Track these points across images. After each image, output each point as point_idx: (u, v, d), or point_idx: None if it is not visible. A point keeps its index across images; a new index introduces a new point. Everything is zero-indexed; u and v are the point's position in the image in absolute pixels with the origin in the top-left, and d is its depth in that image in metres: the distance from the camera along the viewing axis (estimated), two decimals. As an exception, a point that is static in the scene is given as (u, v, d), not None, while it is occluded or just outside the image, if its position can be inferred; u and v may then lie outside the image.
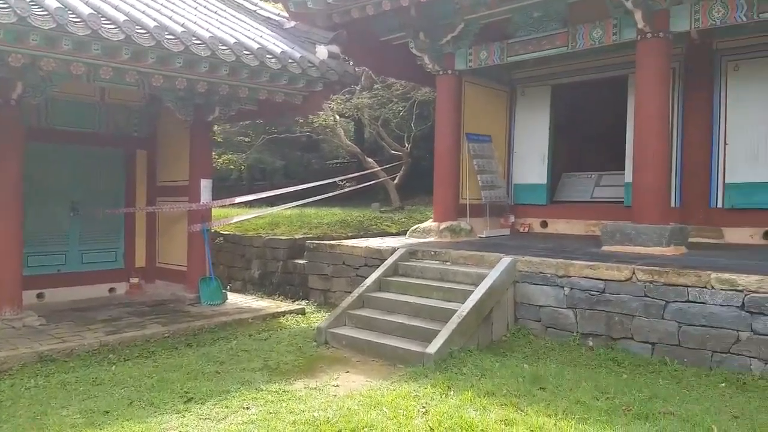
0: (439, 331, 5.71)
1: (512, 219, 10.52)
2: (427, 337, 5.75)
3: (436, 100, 9.69)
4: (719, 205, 8.57)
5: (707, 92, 8.60)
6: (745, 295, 5.11)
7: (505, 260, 6.63)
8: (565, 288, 6.24)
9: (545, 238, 9.22)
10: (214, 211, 9.94)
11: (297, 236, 9.82)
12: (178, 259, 8.88)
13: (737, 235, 8.32)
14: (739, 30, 8.25)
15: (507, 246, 7.94)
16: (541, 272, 6.44)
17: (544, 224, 10.40)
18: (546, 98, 10.44)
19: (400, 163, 14.08)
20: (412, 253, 7.58)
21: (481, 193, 9.72)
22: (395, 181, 14.20)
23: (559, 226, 10.17)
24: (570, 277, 6.21)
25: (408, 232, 9.47)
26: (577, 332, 6.05)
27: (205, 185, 8.36)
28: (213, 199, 8.62)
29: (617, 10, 7.37)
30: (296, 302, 8.51)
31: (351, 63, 8.30)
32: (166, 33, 5.94)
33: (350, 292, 7.08)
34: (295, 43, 7.87)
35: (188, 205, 8.36)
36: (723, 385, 4.84)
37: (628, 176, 8.97)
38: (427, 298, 6.62)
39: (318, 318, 7.51)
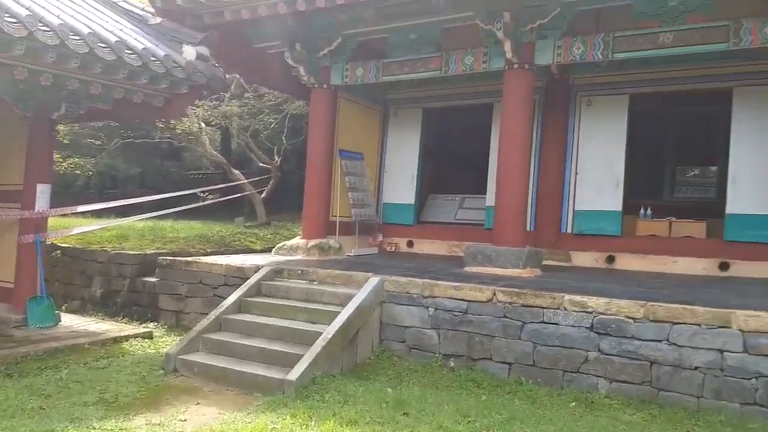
0: (303, 355, 5.42)
1: (380, 238, 10.55)
2: (290, 362, 5.43)
3: (310, 114, 9.49)
4: (569, 230, 9.22)
5: (563, 124, 9.28)
6: (594, 316, 5.43)
7: (373, 280, 6.52)
8: (430, 308, 6.26)
9: (411, 258, 9.33)
10: (53, 221, 8.85)
11: (148, 251, 8.97)
12: (3, 274, 7.71)
13: (583, 258, 9.00)
14: (593, 68, 9.05)
15: (375, 265, 7.88)
16: (407, 292, 6.41)
17: (411, 244, 10.54)
18: (417, 120, 10.67)
19: (269, 176, 13.61)
20: (277, 271, 7.23)
21: (351, 211, 9.63)
22: (262, 195, 13.69)
23: (425, 246, 10.36)
24: (435, 297, 6.24)
25: (274, 249, 9.09)
26: (440, 353, 6.07)
27: (43, 191, 7.37)
28: (52, 207, 7.62)
29: (488, 40, 7.70)
30: (143, 325, 7.74)
31: (221, 68, 7.83)
32: (7, 15, 5.14)
33: (206, 314, 6.56)
34: (159, 41, 7.23)
35: (20, 212, 7.31)
36: (573, 404, 5.07)
37: (489, 200, 9.38)
38: (291, 320, 6.30)
39: (167, 343, 6.86)
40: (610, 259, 8.87)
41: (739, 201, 8.12)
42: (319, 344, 5.52)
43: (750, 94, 8.11)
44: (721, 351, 4.86)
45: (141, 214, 9.45)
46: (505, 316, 5.84)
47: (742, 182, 8.11)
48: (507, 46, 7.35)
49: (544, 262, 8.13)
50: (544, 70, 8.78)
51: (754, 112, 8.06)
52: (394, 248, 10.60)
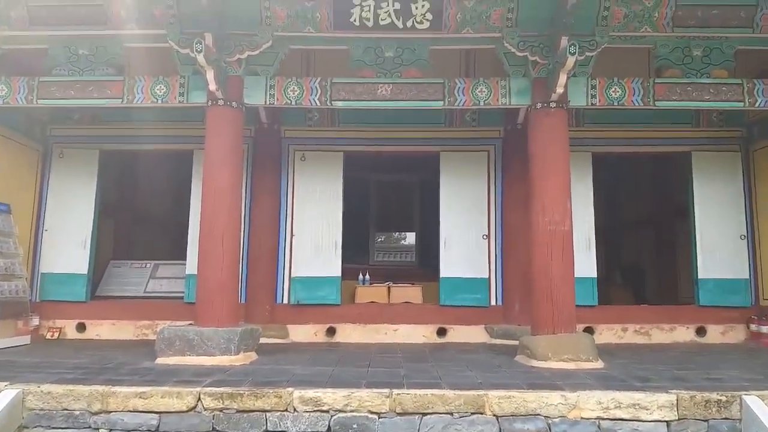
0: None
1: (36, 322, 7.86)
2: None
3: None
4: (285, 300, 8.18)
5: (276, 179, 8.33)
6: (332, 416, 4.32)
7: (7, 394, 4.32)
8: (102, 430, 4.36)
9: (82, 348, 7.00)
10: None
11: None
12: None
13: (302, 332, 8.00)
14: (305, 120, 8.42)
15: (18, 366, 5.50)
16: (65, 409, 4.40)
17: (82, 327, 8.12)
18: (93, 165, 8.50)
19: None
20: None
21: (-15, 286, 6.89)
22: None
23: (103, 330, 8.08)
24: (111, 413, 4.39)
25: None
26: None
27: None
28: None
29: (186, 68, 6.37)
30: None
31: None
32: None
33: None
34: None
35: None
36: None
37: (190, 267, 7.80)
38: None
39: None
40: (331, 332, 8.06)
41: (450, 265, 8.21)
42: None
43: (452, 160, 8.38)
44: (477, 443, 4.22)
45: None
46: (214, 430, 4.32)
47: (452, 246, 8.23)
48: (210, 76, 6.10)
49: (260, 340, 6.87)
50: (252, 119, 7.86)
51: (457, 176, 8.33)
52: (56, 335, 8.02)
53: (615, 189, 11.93)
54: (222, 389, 4.45)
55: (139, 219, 10.72)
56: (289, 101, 6.53)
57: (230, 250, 6.19)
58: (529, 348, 5.89)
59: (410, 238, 13.29)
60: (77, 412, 4.40)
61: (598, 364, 5.70)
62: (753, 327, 7.69)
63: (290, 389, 4.43)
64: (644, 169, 11.21)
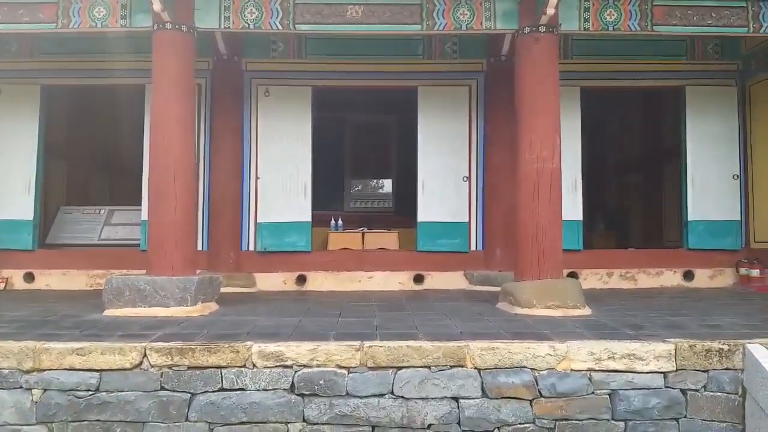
0: None
1: (-22, 272, 7.28)
2: None
3: None
4: (251, 248, 7.67)
5: (238, 118, 7.66)
6: (296, 371, 3.88)
7: None
8: (36, 390, 3.88)
9: (27, 300, 6.43)
10: None
11: None
12: None
13: (270, 281, 7.53)
14: (268, 52, 7.73)
15: (-55, 321, 4.95)
16: (-8, 368, 3.89)
17: (30, 277, 7.55)
18: (34, 102, 7.73)
19: None
20: None
21: None
22: None
23: (53, 280, 7.51)
24: (44, 371, 3.90)
25: None
26: (54, 464, 3.75)
27: None
28: None
29: (126, -16, 5.60)
30: None
31: None
32: None
33: None
34: None
35: None
36: None
37: (145, 211, 7.18)
38: None
39: None
40: (301, 280, 7.60)
41: (428, 209, 7.73)
42: None
43: (431, 96, 7.79)
44: (457, 399, 3.83)
45: None
46: (163, 389, 3.86)
47: (430, 189, 7.74)
48: (154, -6, 5.35)
49: (223, 290, 6.42)
50: (209, 50, 7.24)
51: (436, 113, 7.76)
52: (3, 285, 7.45)
53: (602, 129, 11.48)
54: (172, 344, 3.97)
55: (95, 162, 9.99)
56: (247, 25, 5.82)
57: (184, 189, 5.60)
58: (513, 294, 5.50)
59: (387, 186, 12.78)
60: (6, 371, 3.90)
61: (586, 311, 5.34)
62: (743, 271, 7.41)
63: (249, 343, 3.96)
64: (634, 106, 10.73)
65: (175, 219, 5.51)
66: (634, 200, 11.23)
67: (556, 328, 4.50)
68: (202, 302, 5.48)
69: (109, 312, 5.27)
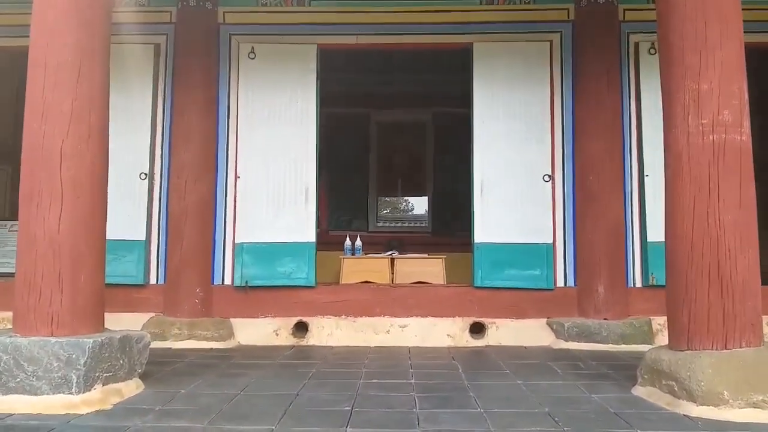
0: None
1: None
2: None
3: None
4: (227, 281, 5.38)
5: (211, 90, 5.41)
6: None
7: None
8: None
9: None
10: None
11: None
12: None
13: (255, 331, 5.21)
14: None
15: None
16: None
17: None
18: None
19: None
20: None
21: None
22: None
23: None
24: None
25: None
26: None
27: None
28: None
29: None
30: None
31: None
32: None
33: None
34: None
35: None
36: None
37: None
38: None
39: None
40: (301, 329, 5.21)
41: (490, 224, 5.32)
42: None
43: (492, 56, 5.40)
44: None
45: None
46: None
47: (493, 194, 5.32)
48: None
49: (186, 343, 4.28)
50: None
51: (500, 81, 5.38)
52: None
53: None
54: None
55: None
56: None
57: (80, 184, 3.25)
58: (677, 377, 3.00)
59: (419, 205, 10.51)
60: None
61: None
62: None
63: None
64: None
65: (59, 233, 3.17)
66: None
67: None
68: (104, 384, 3.10)
69: None
